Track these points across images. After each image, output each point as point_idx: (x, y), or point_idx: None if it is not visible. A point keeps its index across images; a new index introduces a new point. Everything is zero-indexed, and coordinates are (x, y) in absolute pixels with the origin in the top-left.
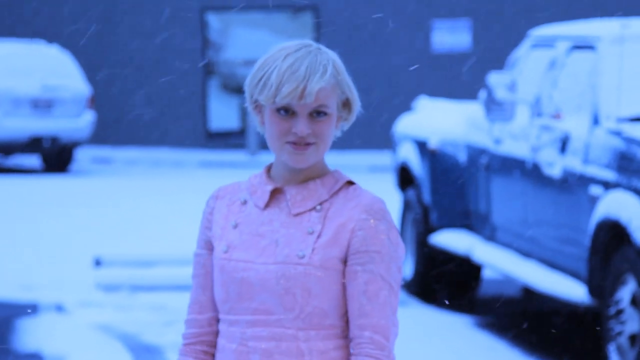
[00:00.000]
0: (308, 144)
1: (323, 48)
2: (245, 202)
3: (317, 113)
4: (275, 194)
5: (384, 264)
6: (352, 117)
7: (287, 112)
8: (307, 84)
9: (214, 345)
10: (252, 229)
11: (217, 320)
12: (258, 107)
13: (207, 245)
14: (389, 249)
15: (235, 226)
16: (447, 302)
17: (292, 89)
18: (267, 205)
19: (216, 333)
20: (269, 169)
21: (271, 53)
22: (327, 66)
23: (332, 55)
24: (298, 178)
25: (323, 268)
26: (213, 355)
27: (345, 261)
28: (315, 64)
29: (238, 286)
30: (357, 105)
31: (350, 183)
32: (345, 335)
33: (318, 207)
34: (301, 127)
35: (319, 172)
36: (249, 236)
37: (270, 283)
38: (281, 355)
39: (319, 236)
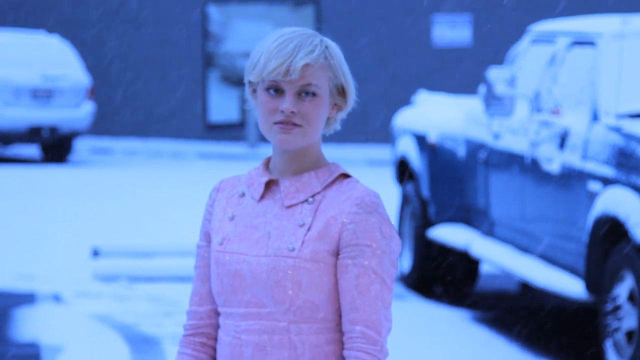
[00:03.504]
0: (294, 125)
1: (320, 35)
2: (243, 195)
3: (306, 93)
4: (271, 185)
5: (376, 258)
6: (348, 106)
7: (276, 91)
8: (292, 60)
9: (213, 337)
10: (247, 221)
11: (218, 313)
12: (254, 91)
13: (207, 237)
14: (380, 243)
15: (232, 218)
16: (444, 296)
17: (277, 64)
18: (262, 197)
19: (216, 325)
20: (267, 161)
21: (267, 37)
22: (317, 46)
23: (329, 41)
24: (292, 169)
25: (313, 261)
26: (212, 347)
27: (336, 254)
28: (305, 43)
29: (231, 279)
30: (352, 94)
31: (346, 176)
32: (340, 329)
33: (310, 200)
34: (286, 104)
35: (314, 164)
36: (243, 228)
37: (261, 276)
38: (273, 348)
39: (309, 229)
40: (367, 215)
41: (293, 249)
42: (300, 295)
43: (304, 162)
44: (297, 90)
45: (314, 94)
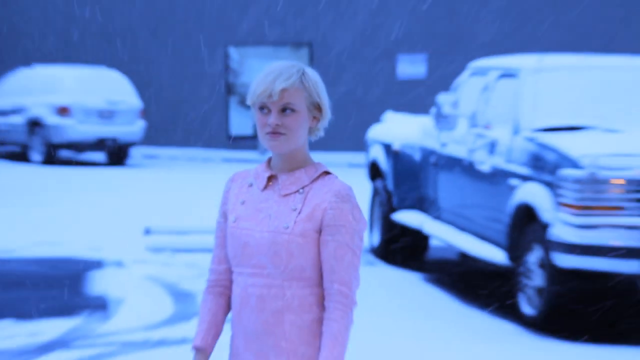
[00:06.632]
0: (279, 134)
1: (300, 65)
2: (251, 185)
3: (287, 110)
4: (271, 179)
5: (349, 235)
6: (325, 118)
7: (265, 109)
8: (273, 85)
9: (228, 288)
10: (254, 205)
11: (231, 271)
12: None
13: (224, 216)
14: (352, 224)
15: (243, 203)
16: (404, 263)
17: (262, 90)
18: (265, 188)
19: (230, 280)
20: (269, 160)
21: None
22: (293, 74)
23: (307, 70)
24: (287, 167)
25: (302, 236)
26: (227, 295)
27: (319, 232)
28: (284, 72)
29: (242, 248)
30: (327, 109)
31: (327, 173)
32: (319, 284)
33: (301, 190)
34: (272, 119)
35: (303, 163)
36: (251, 210)
37: (264, 247)
38: (270, 298)
39: (299, 212)
40: (342, 204)
41: (287, 227)
42: (292, 261)
43: (295, 162)
44: (279, 108)
45: (292, 110)
